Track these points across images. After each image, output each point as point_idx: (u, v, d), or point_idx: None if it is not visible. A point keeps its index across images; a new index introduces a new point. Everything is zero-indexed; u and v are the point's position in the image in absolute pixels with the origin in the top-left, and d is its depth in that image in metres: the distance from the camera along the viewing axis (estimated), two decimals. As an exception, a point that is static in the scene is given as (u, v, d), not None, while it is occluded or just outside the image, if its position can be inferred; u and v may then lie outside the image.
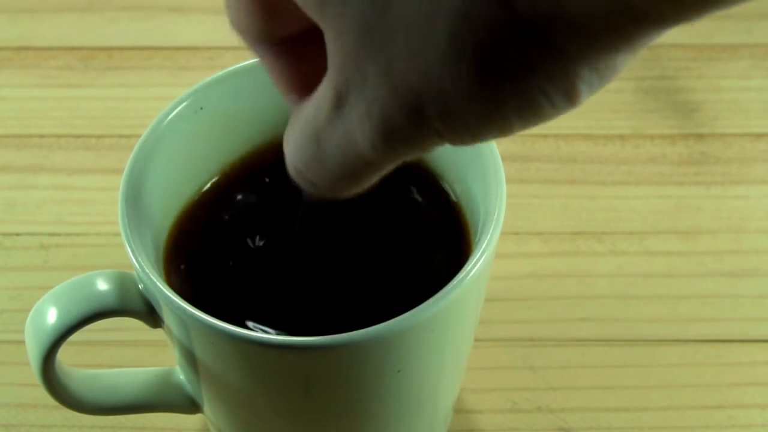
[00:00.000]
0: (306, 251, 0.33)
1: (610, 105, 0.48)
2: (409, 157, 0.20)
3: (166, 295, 0.27)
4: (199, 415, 0.35)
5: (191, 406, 0.33)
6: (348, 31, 0.19)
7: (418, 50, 0.18)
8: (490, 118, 0.18)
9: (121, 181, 0.30)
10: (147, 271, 0.27)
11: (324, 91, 0.20)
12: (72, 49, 0.51)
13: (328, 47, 0.20)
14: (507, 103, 0.18)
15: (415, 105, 0.18)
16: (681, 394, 0.38)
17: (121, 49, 0.51)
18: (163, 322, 0.29)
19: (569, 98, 0.18)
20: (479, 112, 0.18)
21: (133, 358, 0.40)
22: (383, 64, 0.18)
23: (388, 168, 0.21)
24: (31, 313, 0.29)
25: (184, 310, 0.27)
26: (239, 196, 0.34)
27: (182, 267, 0.32)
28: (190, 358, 0.29)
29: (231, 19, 0.23)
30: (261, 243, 0.33)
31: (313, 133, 0.21)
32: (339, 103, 0.20)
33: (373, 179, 0.22)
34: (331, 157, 0.21)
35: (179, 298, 0.27)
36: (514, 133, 0.19)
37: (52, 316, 0.28)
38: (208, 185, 0.34)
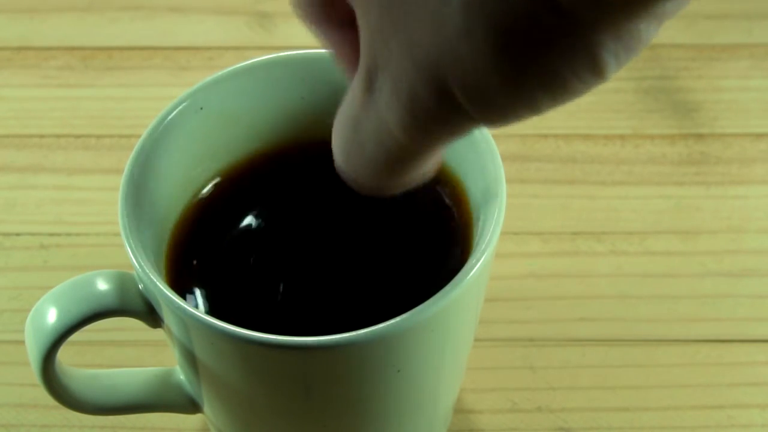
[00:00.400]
0: (306, 250, 0.33)
1: (610, 105, 0.48)
2: (446, 140, 0.19)
3: (166, 295, 0.27)
4: (199, 415, 0.35)
5: (191, 406, 0.33)
6: (373, 6, 0.18)
7: (436, 23, 0.17)
8: (516, 96, 0.18)
9: (121, 181, 0.30)
10: (147, 271, 0.27)
11: (357, 75, 0.20)
12: (72, 49, 0.51)
13: (360, 27, 0.19)
14: (530, 79, 0.17)
15: (440, 82, 0.18)
16: (681, 394, 0.38)
17: (121, 49, 0.51)
18: (163, 322, 0.29)
19: (595, 70, 0.17)
20: (503, 90, 0.17)
21: (133, 358, 0.40)
22: (405, 39, 0.18)
23: (426, 154, 0.20)
24: (31, 313, 0.29)
25: (184, 310, 0.27)
26: (239, 196, 0.34)
27: (182, 267, 0.32)
28: (190, 358, 0.29)
29: (291, 1, 0.22)
30: (261, 243, 0.33)
31: (351, 119, 0.20)
32: (369, 84, 0.19)
33: (414, 169, 0.21)
34: (369, 144, 0.20)
35: (179, 298, 0.27)
36: (546, 110, 0.18)
37: (52, 316, 0.28)
38: (208, 185, 0.34)
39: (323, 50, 0.33)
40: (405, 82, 0.18)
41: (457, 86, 0.18)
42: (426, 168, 0.21)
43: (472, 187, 0.31)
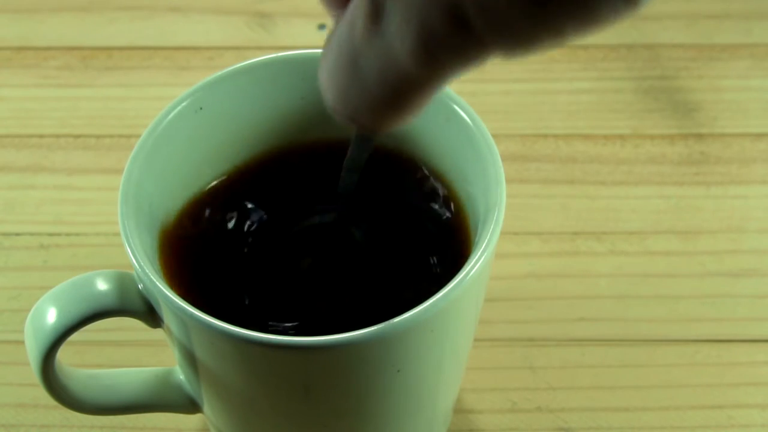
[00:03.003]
0: (306, 250, 0.33)
1: (610, 105, 0.48)
2: (459, 71, 0.18)
3: (166, 295, 0.27)
4: (199, 415, 0.35)
5: (191, 406, 0.33)
6: None
7: None
8: (542, 25, 0.16)
9: (120, 181, 0.30)
10: (147, 271, 0.27)
11: (358, 4, 0.18)
12: (72, 49, 0.51)
13: None
14: (559, 6, 0.16)
15: (456, 7, 0.16)
16: (681, 394, 0.38)
17: (121, 49, 0.51)
18: (163, 322, 0.29)
19: None
20: (527, 18, 0.16)
21: (133, 358, 0.40)
22: None
23: (435, 88, 0.19)
24: (30, 313, 0.29)
25: (184, 310, 0.27)
26: (239, 196, 0.34)
27: (182, 267, 0.32)
28: (190, 358, 0.29)
29: None
30: (261, 243, 0.33)
31: (349, 54, 0.19)
32: (376, 13, 0.18)
33: (419, 104, 0.19)
34: (371, 79, 0.19)
35: (179, 298, 0.27)
36: (567, 42, 0.17)
37: (51, 316, 0.28)
38: (208, 185, 0.34)
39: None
40: (418, 9, 0.17)
41: (477, 15, 0.16)
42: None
43: (472, 186, 0.31)
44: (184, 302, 0.27)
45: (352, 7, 0.19)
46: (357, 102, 0.19)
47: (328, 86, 0.20)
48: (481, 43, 0.17)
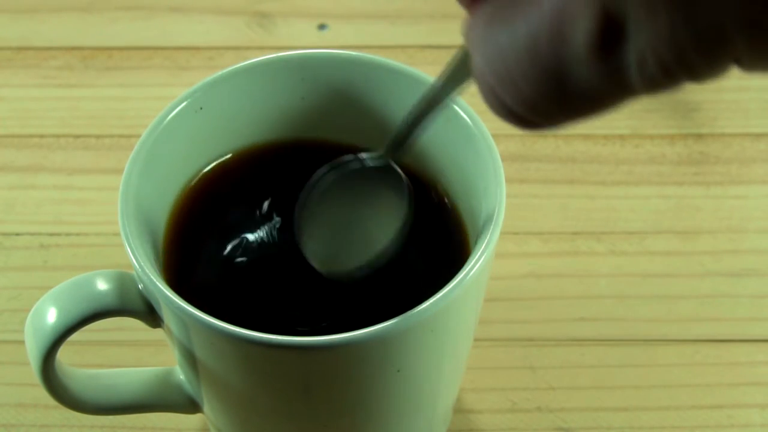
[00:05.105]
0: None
1: (609, 105, 0.48)
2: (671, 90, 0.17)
3: (166, 295, 0.27)
4: (199, 415, 0.35)
5: (191, 406, 0.33)
6: None
7: None
8: None
9: (120, 181, 0.30)
10: (147, 271, 0.27)
11: (572, 18, 0.16)
12: (72, 49, 0.51)
13: None
14: None
15: (716, 31, 0.15)
16: (680, 394, 0.38)
17: (121, 49, 0.51)
18: (163, 322, 0.29)
19: None
20: None
21: (133, 358, 0.40)
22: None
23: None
24: (30, 313, 0.29)
25: (184, 310, 0.27)
26: (239, 196, 0.34)
27: (182, 267, 0.32)
28: (190, 358, 0.29)
29: None
30: (261, 243, 0.33)
31: (554, 68, 0.17)
32: (610, 36, 0.16)
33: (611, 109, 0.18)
34: (578, 95, 0.17)
35: (179, 297, 0.27)
36: None
37: (51, 316, 0.28)
38: (208, 185, 0.34)
39: (323, 50, 0.34)
40: (669, 37, 0.16)
41: (742, 34, 0.15)
42: None
43: (472, 186, 0.31)
44: (184, 302, 0.27)
45: (554, 12, 0.17)
46: (545, 107, 0.18)
47: (494, 68, 0.18)
48: (735, 62, 0.16)
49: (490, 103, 0.19)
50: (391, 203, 0.29)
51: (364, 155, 0.29)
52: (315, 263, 0.29)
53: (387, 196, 0.29)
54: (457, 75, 0.24)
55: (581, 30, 0.16)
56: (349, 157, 0.29)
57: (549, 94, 0.18)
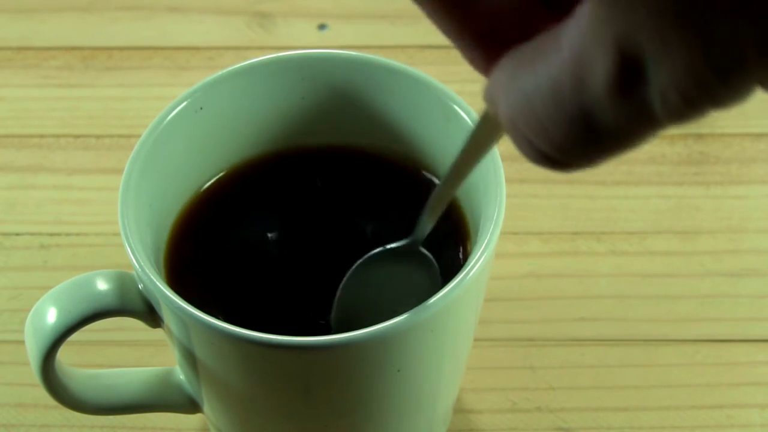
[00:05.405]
0: (306, 250, 0.33)
1: (609, 105, 0.48)
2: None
3: (166, 295, 0.27)
4: (199, 415, 0.35)
5: (191, 406, 0.33)
6: None
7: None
8: None
9: (120, 181, 0.30)
10: (147, 271, 0.27)
11: (590, 61, 0.17)
12: (72, 49, 0.51)
13: (589, 9, 0.16)
14: None
15: (736, 57, 0.15)
16: (680, 394, 0.38)
17: (121, 49, 0.51)
18: (163, 322, 0.29)
19: None
20: None
21: (133, 358, 0.40)
22: (699, 37, 0.15)
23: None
24: (31, 313, 0.29)
25: (184, 310, 0.27)
26: (239, 196, 0.34)
27: (182, 267, 0.32)
28: (190, 358, 0.29)
29: None
30: (261, 243, 0.33)
31: (579, 111, 0.17)
32: (629, 76, 0.16)
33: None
34: (605, 134, 0.17)
35: (179, 298, 0.27)
36: None
37: (51, 316, 0.28)
38: (208, 185, 0.34)
39: (323, 50, 0.34)
40: (691, 73, 0.16)
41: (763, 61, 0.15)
42: None
43: (472, 186, 0.31)
44: (184, 302, 0.27)
45: (575, 56, 0.17)
46: (569, 142, 0.18)
47: (522, 114, 0.19)
48: (757, 85, 0.16)
49: (524, 151, 0.19)
50: (420, 281, 0.30)
51: (393, 245, 0.30)
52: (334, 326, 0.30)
53: (418, 275, 0.30)
54: (480, 142, 0.25)
55: (600, 72, 0.17)
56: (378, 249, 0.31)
57: (578, 137, 0.18)
